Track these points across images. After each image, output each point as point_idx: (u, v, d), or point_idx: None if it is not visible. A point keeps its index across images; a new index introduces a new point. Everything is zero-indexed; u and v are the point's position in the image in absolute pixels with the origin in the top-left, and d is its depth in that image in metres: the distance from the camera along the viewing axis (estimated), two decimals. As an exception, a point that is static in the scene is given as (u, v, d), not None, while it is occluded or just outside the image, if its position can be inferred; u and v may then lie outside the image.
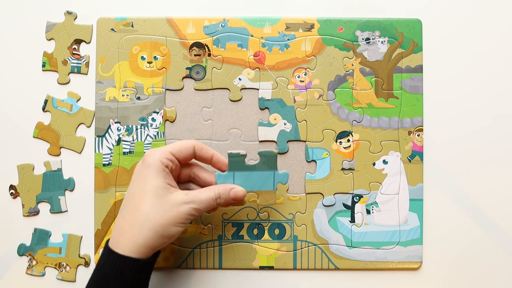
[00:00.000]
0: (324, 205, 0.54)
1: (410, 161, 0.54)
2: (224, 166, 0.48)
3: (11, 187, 0.55)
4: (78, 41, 0.55)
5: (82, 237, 0.55)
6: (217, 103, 0.55)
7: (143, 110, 0.54)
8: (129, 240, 0.42)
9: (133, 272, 0.42)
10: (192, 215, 0.44)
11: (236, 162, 0.48)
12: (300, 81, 0.54)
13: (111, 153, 0.54)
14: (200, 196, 0.45)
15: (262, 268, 0.54)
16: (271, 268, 0.54)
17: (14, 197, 0.55)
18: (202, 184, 0.48)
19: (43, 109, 0.55)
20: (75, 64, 0.55)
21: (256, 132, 0.54)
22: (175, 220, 0.43)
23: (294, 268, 0.54)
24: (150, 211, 0.43)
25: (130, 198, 0.44)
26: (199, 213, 0.45)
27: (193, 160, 0.49)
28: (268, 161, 0.48)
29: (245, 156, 0.48)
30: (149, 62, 0.54)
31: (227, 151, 0.48)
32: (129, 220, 0.43)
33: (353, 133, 0.54)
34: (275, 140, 0.54)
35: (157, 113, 0.54)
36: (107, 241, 0.44)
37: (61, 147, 0.55)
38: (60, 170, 0.55)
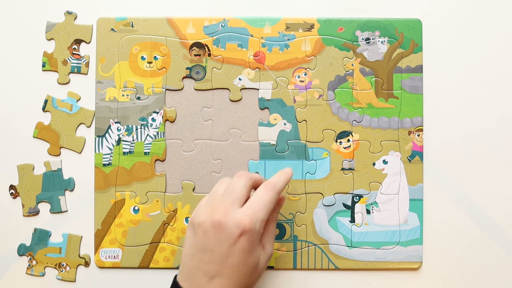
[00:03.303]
0: (324, 205, 0.54)
1: (410, 161, 0.54)
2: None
3: (11, 187, 0.55)
4: (78, 41, 0.55)
5: (82, 237, 0.55)
6: (217, 103, 0.55)
7: (143, 110, 0.54)
8: None
9: None
10: None
11: (267, 151, 0.52)
12: (300, 81, 0.54)
13: (111, 153, 0.54)
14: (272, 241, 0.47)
15: (262, 268, 0.54)
16: (271, 268, 0.54)
17: (14, 197, 0.55)
18: None
19: (43, 109, 0.55)
20: (75, 64, 0.55)
21: (256, 132, 0.54)
22: None
23: (294, 268, 0.54)
24: (258, 276, 0.45)
25: (244, 270, 0.43)
26: None
27: None
28: (297, 151, 0.51)
29: (275, 145, 0.52)
30: (149, 62, 0.54)
31: (259, 140, 0.52)
32: None
33: (353, 133, 0.54)
34: (275, 140, 0.54)
35: (157, 113, 0.54)
36: None
37: (61, 147, 0.55)
38: (60, 170, 0.55)
